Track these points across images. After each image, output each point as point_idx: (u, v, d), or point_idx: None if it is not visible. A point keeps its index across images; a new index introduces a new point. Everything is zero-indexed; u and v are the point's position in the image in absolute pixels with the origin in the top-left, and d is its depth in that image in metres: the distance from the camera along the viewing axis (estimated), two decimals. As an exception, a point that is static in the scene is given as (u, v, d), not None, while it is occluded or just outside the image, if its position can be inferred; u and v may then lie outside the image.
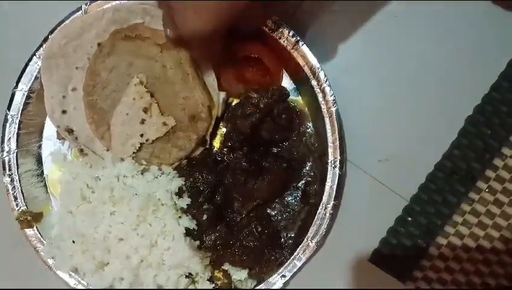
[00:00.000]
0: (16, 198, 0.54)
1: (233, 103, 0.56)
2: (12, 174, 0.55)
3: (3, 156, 0.55)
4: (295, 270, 0.52)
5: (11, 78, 0.55)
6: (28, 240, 0.54)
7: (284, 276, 0.52)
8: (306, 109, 0.56)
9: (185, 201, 0.52)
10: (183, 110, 0.54)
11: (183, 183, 0.53)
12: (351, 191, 0.55)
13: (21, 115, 0.55)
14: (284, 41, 0.53)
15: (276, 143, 0.56)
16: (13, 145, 0.55)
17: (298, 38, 0.53)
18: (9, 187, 0.54)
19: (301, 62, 0.53)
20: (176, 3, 0.41)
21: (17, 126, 0.55)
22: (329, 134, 0.53)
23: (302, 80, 0.54)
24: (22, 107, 0.55)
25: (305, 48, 0.53)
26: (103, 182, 0.53)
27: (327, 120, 0.53)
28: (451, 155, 0.55)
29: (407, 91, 0.56)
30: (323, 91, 0.53)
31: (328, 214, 0.52)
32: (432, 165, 0.55)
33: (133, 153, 0.53)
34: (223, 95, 0.54)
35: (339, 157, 0.52)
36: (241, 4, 0.40)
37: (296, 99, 0.56)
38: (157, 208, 0.52)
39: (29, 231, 0.54)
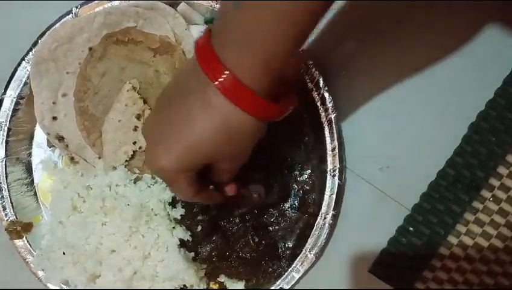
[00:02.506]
0: (4, 208, 0.53)
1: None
2: (0, 183, 0.53)
3: (-8, 164, 0.53)
4: (293, 282, 0.51)
5: (-1, 84, 0.53)
6: (18, 251, 0.52)
7: (282, 289, 0.51)
8: (304, 114, 0.54)
9: (178, 211, 0.50)
10: (177, 116, 0.52)
11: (177, 192, 0.51)
12: (350, 200, 0.53)
13: (10, 121, 0.53)
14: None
15: (273, 147, 0.54)
16: (1, 153, 0.53)
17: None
18: (-2, 197, 0.53)
19: (299, 69, 0.51)
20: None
21: (5, 133, 0.53)
22: (328, 142, 0.51)
23: (300, 86, 0.53)
24: (10, 113, 0.53)
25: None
26: (95, 191, 0.51)
27: (326, 127, 0.51)
28: (454, 163, 0.53)
29: (409, 97, 0.54)
30: (322, 97, 0.51)
31: (327, 225, 0.51)
32: (435, 173, 0.53)
33: (126, 161, 0.52)
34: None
35: (338, 166, 0.51)
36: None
37: (295, 104, 0.55)
38: (150, 219, 0.50)
39: (18, 242, 0.53)
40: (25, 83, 0.53)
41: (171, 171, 0.38)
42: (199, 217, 0.50)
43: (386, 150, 0.54)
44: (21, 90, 0.53)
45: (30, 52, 0.53)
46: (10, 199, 0.53)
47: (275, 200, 0.53)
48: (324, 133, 0.51)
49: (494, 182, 0.53)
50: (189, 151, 0.38)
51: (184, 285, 0.51)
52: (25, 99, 0.53)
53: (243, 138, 0.38)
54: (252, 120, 0.36)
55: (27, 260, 0.52)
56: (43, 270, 0.52)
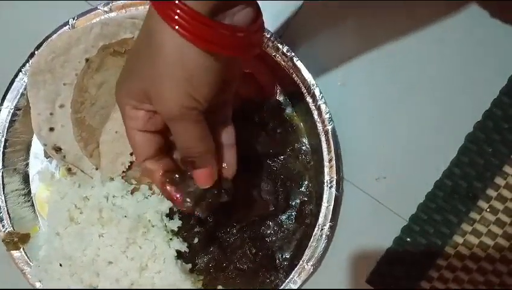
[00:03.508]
0: (1, 219, 0.52)
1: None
2: (-3, 194, 0.53)
3: (-12, 175, 0.53)
4: (290, 293, 0.51)
5: (-4, 95, 0.53)
6: (15, 262, 0.52)
7: (279, 300, 0.51)
8: (301, 124, 0.55)
9: (175, 223, 0.50)
10: (174, 127, 0.52)
11: (174, 204, 0.51)
12: (347, 210, 0.53)
13: (7, 132, 0.53)
14: (278, 57, 0.52)
15: (270, 157, 0.54)
16: (-2, 164, 0.53)
17: (293, 53, 0.51)
18: (-5, 208, 0.53)
19: (296, 78, 0.51)
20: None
21: (2, 144, 0.53)
22: (325, 153, 0.51)
23: (296, 96, 0.53)
24: (7, 124, 0.53)
25: (299, 64, 0.51)
26: (92, 202, 0.51)
27: (323, 138, 0.51)
28: (451, 173, 0.53)
29: (406, 108, 0.54)
30: (318, 108, 0.51)
31: (324, 236, 0.51)
32: (432, 184, 0.53)
33: (123, 171, 0.52)
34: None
35: (335, 177, 0.51)
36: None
37: (291, 114, 0.55)
38: (148, 230, 0.50)
39: (15, 253, 0.52)
40: (22, 94, 0.53)
41: (116, 92, 0.37)
42: (196, 229, 0.50)
43: (383, 160, 0.54)
44: (18, 102, 0.53)
45: (27, 63, 0.52)
46: (7, 210, 0.53)
47: (282, 209, 0.53)
48: (321, 144, 0.51)
49: (491, 192, 0.53)
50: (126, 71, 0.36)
51: (181, 296, 0.51)
52: (21, 111, 0.53)
53: (165, 61, 0.31)
54: (178, 39, 0.30)
55: (24, 271, 0.52)
56: (40, 281, 0.52)
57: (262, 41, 0.46)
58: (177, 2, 0.30)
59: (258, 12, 0.34)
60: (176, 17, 0.30)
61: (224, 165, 0.40)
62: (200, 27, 0.30)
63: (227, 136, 0.40)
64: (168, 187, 0.40)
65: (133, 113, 0.36)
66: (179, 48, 0.31)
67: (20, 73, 0.53)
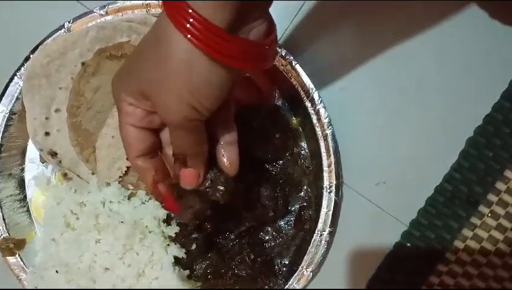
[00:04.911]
0: (-4, 225, 0.52)
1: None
2: (-7, 199, 0.52)
3: (-17, 181, 0.52)
4: (289, 300, 0.50)
5: (-9, 100, 0.52)
6: (11, 268, 0.52)
7: (277, 307, 0.50)
8: (300, 129, 0.54)
9: (173, 229, 0.50)
10: (172, 132, 0.52)
11: (172, 209, 0.50)
12: (347, 215, 0.53)
13: (2, 137, 0.53)
14: (276, 61, 0.51)
15: (269, 162, 0.54)
16: (-6, 169, 0.53)
17: (291, 57, 0.51)
18: (-10, 214, 0.52)
19: (294, 82, 0.51)
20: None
21: (-3, 149, 0.53)
22: (324, 157, 0.51)
23: (295, 101, 0.52)
24: (2, 129, 0.52)
25: (298, 68, 0.50)
26: (88, 208, 0.50)
27: (322, 143, 0.51)
28: (451, 178, 0.53)
29: (406, 113, 0.54)
30: (317, 113, 0.51)
31: (323, 241, 0.50)
32: (432, 189, 0.53)
33: (120, 177, 0.51)
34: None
35: (334, 182, 0.50)
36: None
37: (290, 119, 0.54)
38: (145, 236, 0.50)
39: (11, 259, 0.52)
40: (17, 99, 0.52)
41: (114, 86, 0.37)
42: (194, 235, 0.50)
43: (383, 165, 0.53)
44: (13, 106, 0.53)
45: (22, 68, 0.52)
46: (2, 216, 0.52)
47: (281, 215, 0.52)
48: (320, 149, 0.51)
49: (492, 197, 0.52)
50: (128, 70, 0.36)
51: (179, 303, 0.50)
52: (17, 115, 0.53)
53: (171, 69, 0.31)
54: (189, 48, 0.30)
55: (20, 277, 0.52)
56: (36, 287, 0.51)
57: (276, 55, 0.46)
58: (190, 11, 0.29)
59: (271, 27, 0.34)
60: (188, 25, 0.29)
61: (226, 163, 0.39)
62: (215, 39, 0.30)
63: (229, 134, 0.39)
64: (160, 188, 0.40)
65: (130, 109, 0.36)
66: (188, 59, 0.31)
67: (15, 77, 0.52)
